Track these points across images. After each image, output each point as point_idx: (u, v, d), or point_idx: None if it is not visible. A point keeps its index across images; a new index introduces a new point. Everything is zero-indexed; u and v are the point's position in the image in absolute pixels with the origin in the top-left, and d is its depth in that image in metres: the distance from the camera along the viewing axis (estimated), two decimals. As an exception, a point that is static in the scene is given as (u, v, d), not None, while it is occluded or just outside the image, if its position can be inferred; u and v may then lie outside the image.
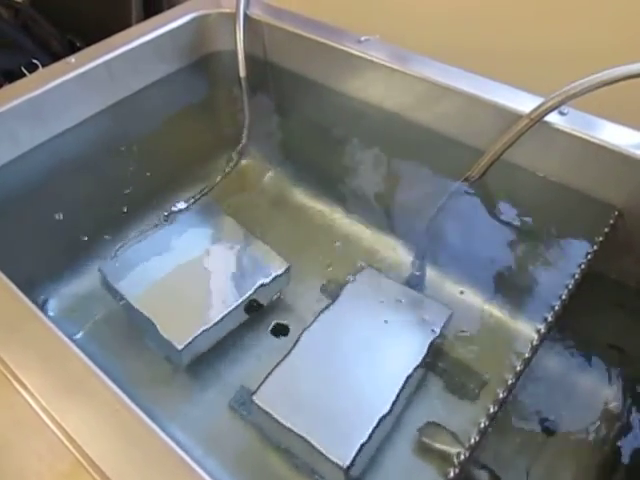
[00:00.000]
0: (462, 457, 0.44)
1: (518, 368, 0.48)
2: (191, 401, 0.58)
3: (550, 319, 0.51)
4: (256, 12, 0.78)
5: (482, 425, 0.45)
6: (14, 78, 0.70)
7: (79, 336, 0.62)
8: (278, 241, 0.65)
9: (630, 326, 0.62)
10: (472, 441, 0.45)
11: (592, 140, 0.57)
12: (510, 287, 0.65)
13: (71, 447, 0.39)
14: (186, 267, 0.62)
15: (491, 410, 0.46)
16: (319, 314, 0.58)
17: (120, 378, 0.44)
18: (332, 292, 0.66)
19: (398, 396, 0.52)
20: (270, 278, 0.60)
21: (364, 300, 0.60)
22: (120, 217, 0.72)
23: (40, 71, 0.73)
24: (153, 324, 0.56)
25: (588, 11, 0.73)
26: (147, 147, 0.77)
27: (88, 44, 0.75)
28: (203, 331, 0.56)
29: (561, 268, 0.61)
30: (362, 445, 0.49)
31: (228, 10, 0.79)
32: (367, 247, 0.72)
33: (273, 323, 0.65)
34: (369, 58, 0.69)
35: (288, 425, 0.50)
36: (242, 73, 0.80)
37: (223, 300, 0.59)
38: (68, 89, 0.69)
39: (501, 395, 0.47)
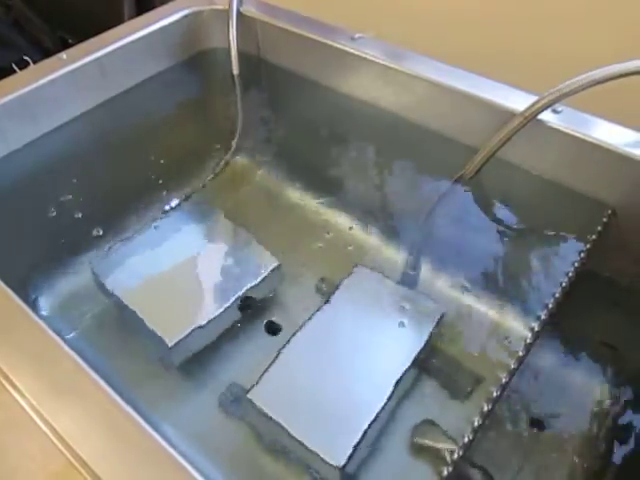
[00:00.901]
0: (456, 456, 0.44)
1: (512, 366, 0.48)
2: (183, 400, 0.58)
3: (544, 317, 0.51)
4: (249, 9, 0.77)
5: (476, 423, 0.45)
6: (4, 75, 0.69)
7: (71, 335, 0.62)
8: (271, 239, 0.65)
9: (623, 324, 0.62)
10: (466, 439, 0.45)
11: (586, 138, 0.57)
12: (504, 285, 0.65)
13: (62, 447, 0.39)
14: (178, 265, 0.61)
15: (485, 408, 0.46)
16: (313, 313, 0.58)
17: (112, 377, 0.43)
18: (326, 290, 0.66)
19: (392, 394, 0.52)
20: (262, 276, 0.60)
21: (358, 299, 0.60)
22: (112, 215, 0.71)
23: (31, 67, 0.72)
24: (144, 323, 0.56)
25: (583, 10, 0.73)
26: (139, 145, 0.76)
27: (80, 41, 0.74)
28: (194, 330, 0.56)
29: (555, 266, 0.61)
30: (357, 444, 0.49)
31: (221, 7, 0.79)
32: (361, 245, 0.72)
33: (266, 322, 0.64)
34: (363, 56, 0.69)
35: (282, 424, 0.50)
36: (235, 70, 0.80)
37: (215, 298, 0.58)
38: (59, 86, 0.69)
39: (495, 393, 0.47)
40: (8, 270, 0.50)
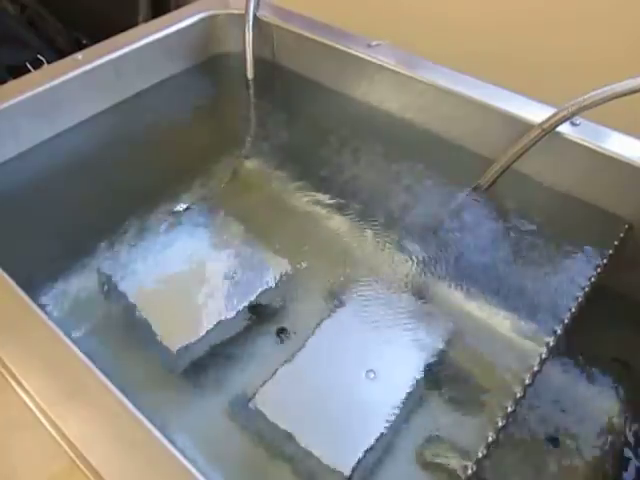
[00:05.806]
0: (469, 471, 0.44)
1: (526, 381, 0.48)
2: (189, 405, 0.57)
3: (559, 332, 0.50)
4: (265, 14, 0.78)
5: (489, 439, 0.44)
6: (19, 74, 0.70)
7: (77, 338, 0.61)
8: (281, 245, 0.64)
9: (637, 341, 0.61)
10: (479, 455, 0.44)
11: (604, 152, 0.57)
12: (518, 299, 0.64)
13: (68, 448, 0.38)
14: (187, 270, 0.61)
15: (499, 424, 0.45)
16: (321, 321, 0.57)
17: (118, 381, 0.43)
18: (335, 298, 0.65)
19: (401, 406, 0.51)
20: (272, 282, 0.60)
21: (366, 309, 0.59)
22: (122, 217, 0.71)
23: (46, 67, 0.72)
24: (151, 327, 0.55)
25: (604, 22, 0.72)
26: (151, 147, 0.76)
27: (94, 42, 0.74)
28: (201, 336, 0.55)
29: (570, 281, 0.60)
30: (364, 454, 0.48)
31: (237, 11, 0.79)
32: (372, 254, 0.71)
33: (275, 328, 0.64)
34: (379, 63, 0.68)
35: (287, 431, 0.49)
36: (250, 75, 0.80)
37: (225, 304, 0.58)
38: (74, 86, 0.69)
39: (509, 408, 0.46)
40: (17, 270, 0.49)
